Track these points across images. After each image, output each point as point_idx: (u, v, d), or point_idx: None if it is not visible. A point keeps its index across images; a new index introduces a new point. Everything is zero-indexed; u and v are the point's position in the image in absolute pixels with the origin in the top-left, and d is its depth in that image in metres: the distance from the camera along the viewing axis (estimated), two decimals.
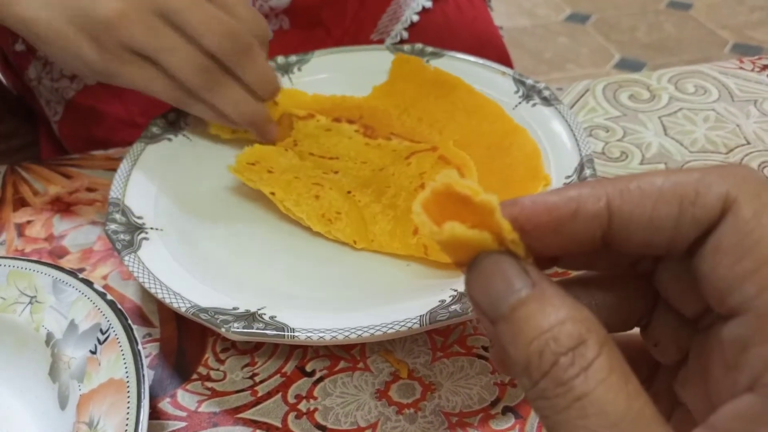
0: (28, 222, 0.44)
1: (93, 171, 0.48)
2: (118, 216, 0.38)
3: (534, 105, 0.45)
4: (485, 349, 0.35)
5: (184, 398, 0.34)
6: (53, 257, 0.41)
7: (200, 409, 0.33)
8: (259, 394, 0.34)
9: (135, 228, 0.37)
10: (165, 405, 0.33)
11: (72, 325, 0.32)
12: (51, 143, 0.62)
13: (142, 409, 0.28)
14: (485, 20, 0.66)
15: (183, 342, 0.36)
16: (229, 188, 0.43)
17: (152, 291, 0.33)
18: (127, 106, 0.57)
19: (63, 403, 0.31)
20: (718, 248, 0.17)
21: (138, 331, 0.32)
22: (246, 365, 0.35)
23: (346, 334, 0.31)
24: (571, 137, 0.41)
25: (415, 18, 0.61)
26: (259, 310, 0.33)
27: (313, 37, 0.60)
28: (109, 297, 0.33)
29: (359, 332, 0.31)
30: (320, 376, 0.34)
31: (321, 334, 0.31)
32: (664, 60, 1.84)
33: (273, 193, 0.40)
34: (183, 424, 0.32)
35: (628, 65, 1.84)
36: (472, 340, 0.36)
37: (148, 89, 0.40)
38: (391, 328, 0.31)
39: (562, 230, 0.18)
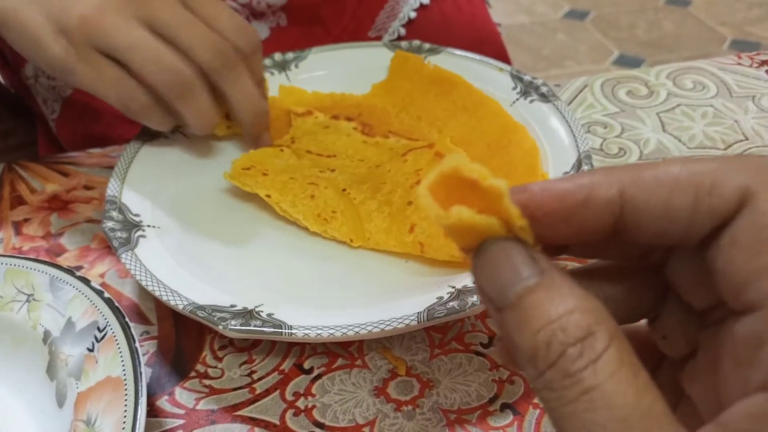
0: (26, 220, 0.44)
1: (90, 169, 0.47)
2: (115, 214, 0.38)
3: (532, 101, 0.44)
4: (483, 346, 0.35)
5: (182, 396, 0.33)
6: (50, 255, 0.41)
7: (198, 407, 0.33)
8: (257, 392, 0.33)
9: (132, 226, 0.37)
10: (163, 403, 0.33)
11: (69, 323, 0.32)
12: (48, 141, 0.61)
13: (139, 407, 0.28)
14: (483, 17, 0.66)
15: (180, 340, 0.36)
16: (227, 186, 0.43)
17: (149, 289, 0.33)
18: None
19: (60, 401, 0.31)
20: (735, 241, 0.17)
21: (135, 329, 0.32)
22: (244, 363, 0.35)
23: (344, 331, 0.31)
24: (569, 133, 0.41)
25: (413, 15, 0.61)
26: (256, 307, 0.33)
27: (311, 35, 0.60)
28: (106, 295, 0.33)
29: (357, 329, 0.31)
30: (318, 374, 0.34)
31: (319, 332, 0.31)
32: (662, 57, 1.84)
33: (269, 196, 0.40)
34: (181, 421, 0.32)
35: (626, 62, 1.84)
36: (470, 337, 0.36)
37: (101, 91, 0.38)
38: (389, 325, 0.31)
39: (572, 218, 0.18)
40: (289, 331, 0.31)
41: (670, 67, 0.56)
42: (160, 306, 0.38)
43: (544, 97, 0.44)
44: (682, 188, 0.17)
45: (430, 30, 0.61)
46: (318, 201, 0.40)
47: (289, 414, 0.32)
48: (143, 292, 0.38)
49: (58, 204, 0.45)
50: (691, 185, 0.17)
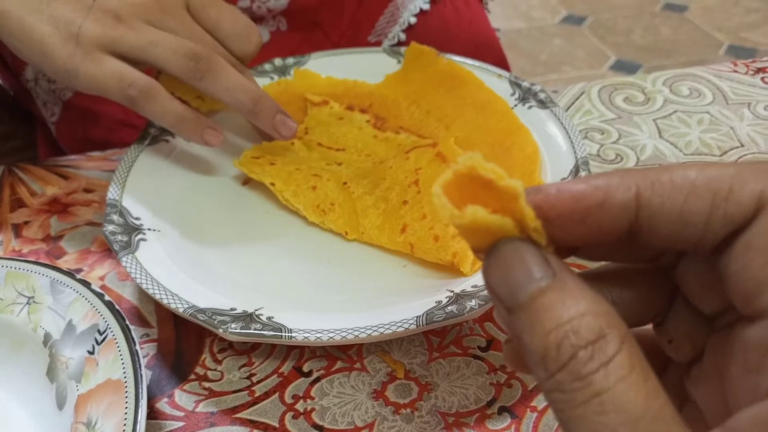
0: (26, 223, 0.44)
1: (90, 172, 0.48)
2: (115, 217, 0.38)
3: (530, 107, 0.45)
4: (481, 349, 0.35)
5: (182, 398, 0.34)
6: (50, 258, 0.41)
7: (198, 409, 0.33)
8: (257, 394, 0.34)
9: (132, 229, 0.37)
10: (163, 405, 0.33)
11: (70, 326, 0.32)
12: (48, 144, 0.62)
13: (139, 410, 0.28)
14: (482, 22, 0.67)
15: (180, 342, 0.36)
16: (227, 189, 0.43)
17: (150, 292, 0.33)
18: (125, 107, 0.57)
19: (61, 403, 0.31)
20: (750, 247, 0.17)
21: (136, 332, 0.32)
22: (243, 365, 0.35)
23: (343, 334, 0.31)
24: (567, 139, 0.42)
25: (413, 20, 0.61)
26: (256, 310, 0.33)
27: (311, 39, 0.60)
28: (106, 298, 0.33)
29: (356, 333, 0.31)
30: (317, 377, 0.34)
31: (318, 335, 0.31)
32: (659, 62, 1.85)
33: (273, 184, 0.41)
34: (180, 424, 0.32)
35: (623, 67, 1.84)
36: (468, 340, 0.36)
37: (102, 85, 0.38)
38: (388, 328, 0.31)
39: (587, 220, 0.18)
40: (289, 334, 0.31)
41: (667, 74, 0.56)
42: (161, 309, 0.38)
43: (542, 104, 0.45)
44: (699, 193, 0.17)
45: (430, 35, 0.61)
46: (319, 192, 0.41)
47: (288, 417, 0.33)
48: (143, 295, 0.39)
49: (58, 207, 0.45)
50: (708, 190, 0.17)
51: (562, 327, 0.16)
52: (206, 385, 0.34)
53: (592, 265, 0.22)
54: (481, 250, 0.18)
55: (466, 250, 0.35)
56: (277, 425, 0.32)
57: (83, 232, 0.43)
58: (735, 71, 0.56)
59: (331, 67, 0.50)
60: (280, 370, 0.35)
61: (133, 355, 0.30)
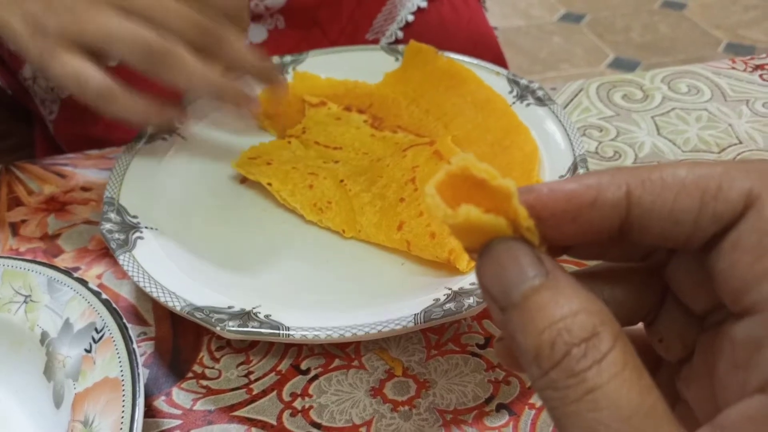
0: (23, 221, 0.44)
1: (88, 170, 0.48)
2: (113, 215, 0.38)
3: (528, 105, 0.45)
4: (479, 347, 0.35)
5: (179, 396, 0.34)
6: (48, 256, 0.41)
7: (195, 408, 0.33)
8: (254, 392, 0.34)
9: (130, 227, 0.37)
10: (160, 403, 0.33)
11: (67, 324, 0.32)
12: (46, 143, 0.62)
13: (137, 408, 0.28)
14: (480, 20, 0.67)
15: (178, 341, 0.36)
16: (224, 188, 0.43)
17: (147, 290, 0.33)
18: None
19: (58, 402, 0.31)
20: (738, 245, 0.17)
21: (133, 330, 0.32)
22: (241, 363, 0.35)
23: (341, 332, 0.31)
24: (565, 137, 0.42)
25: (410, 18, 0.61)
26: (254, 308, 0.33)
27: (309, 37, 0.60)
28: (104, 296, 0.33)
29: (354, 331, 0.31)
30: (315, 374, 0.34)
31: (316, 333, 0.31)
32: (657, 60, 1.85)
33: (270, 184, 0.41)
34: (178, 422, 0.32)
35: (622, 65, 1.84)
36: (466, 338, 0.36)
37: (64, 81, 0.37)
38: (386, 326, 0.31)
39: (579, 219, 0.18)
40: (287, 332, 0.31)
41: (665, 71, 0.56)
42: (158, 307, 0.38)
43: (540, 101, 0.45)
44: (689, 191, 0.17)
45: (428, 33, 0.61)
46: (315, 191, 0.41)
47: (286, 414, 0.33)
48: (141, 293, 0.39)
49: (56, 205, 0.45)
50: (697, 189, 0.17)
51: (556, 325, 0.16)
52: (204, 383, 0.34)
53: (590, 263, 0.22)
54: (474, 250, 0.18)
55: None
56: (275, 423, 0.32)
57: (80, 230, 0.43)
58: (733, 68, 0.56)
59: (328, 65, 0.50)
60: (278, 368, 0.35)
61: (131, 353, 0.30)
